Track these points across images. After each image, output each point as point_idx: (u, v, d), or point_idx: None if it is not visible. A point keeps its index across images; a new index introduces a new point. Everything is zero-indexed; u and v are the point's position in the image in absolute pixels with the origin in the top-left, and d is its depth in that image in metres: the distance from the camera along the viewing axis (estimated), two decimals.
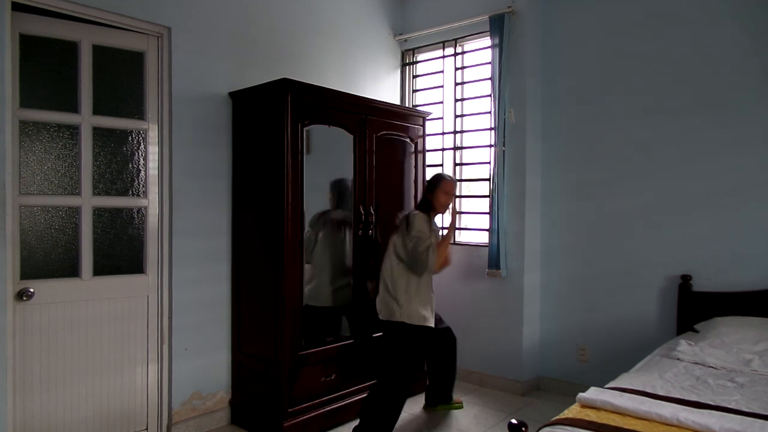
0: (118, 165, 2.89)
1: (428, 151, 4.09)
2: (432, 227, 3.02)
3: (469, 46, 4.21)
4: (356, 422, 2.95)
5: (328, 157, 3.38)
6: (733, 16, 3.18)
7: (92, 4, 2.69)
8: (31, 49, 2.60)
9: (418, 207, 3.14)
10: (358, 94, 3.57)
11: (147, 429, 2.98)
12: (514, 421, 1.81)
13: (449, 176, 3.16)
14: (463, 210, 4.21)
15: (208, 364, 3.19)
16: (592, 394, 2.06)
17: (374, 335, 3.41)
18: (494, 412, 3.47)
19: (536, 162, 3.87)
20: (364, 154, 3.39)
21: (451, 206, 3.14)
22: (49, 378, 2.64)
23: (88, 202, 2.77)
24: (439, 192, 3.04)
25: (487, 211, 3.89)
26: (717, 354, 2.63)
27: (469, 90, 4.20)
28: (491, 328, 3.91)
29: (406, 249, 2.91)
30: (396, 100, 4.46)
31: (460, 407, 3.48)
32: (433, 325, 2.97)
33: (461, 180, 4.22)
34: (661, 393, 2.13)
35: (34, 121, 2.62)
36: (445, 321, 3.55)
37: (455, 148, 4.23)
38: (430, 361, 3.46)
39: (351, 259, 3.35)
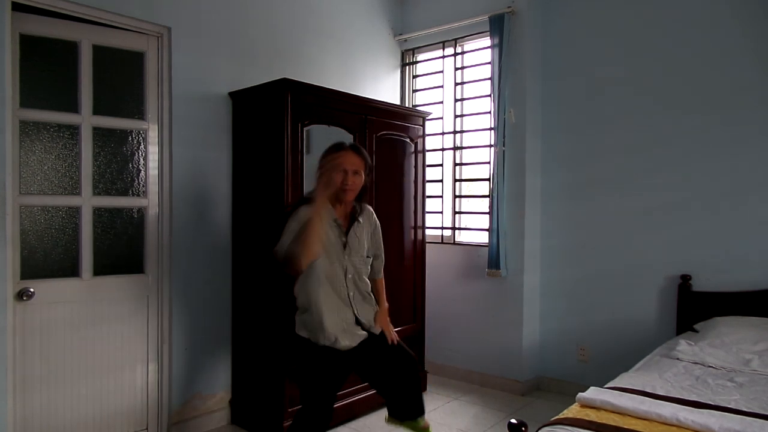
0: (118, 165, 2.89)
1: (428, 151, 4.09)
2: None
3: (469, 46, 4.21)
4: (356, 421, 2.92)
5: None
6: (734, 16, 3.18)
7: (92, 4, 2.69)
8: (31, 49, 2.60)
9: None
10: (358, 94, 3.58)
11: (147, 429, 2.98)
12: (514, 421, 1.81)
13: (350, 144, 2.39)
14: (463, 210, 4.22)
15: (208, 364, 3.19)
16: (592, 394, 2.06)
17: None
18: (494, 412, 3.47)
19: (536, 162, 3.87)
20: None
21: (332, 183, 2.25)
22: (49, 378, 2.64)
23: (88, 202, 2.77)
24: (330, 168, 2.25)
25: (487, 211, 3.89)
26: (717, 354, 2.63)
27: (469, 90, 4.20)
28: (491, 328, 3.91)
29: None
30: (396, 100, 4.46)
31: None
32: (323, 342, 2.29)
33: (461, 180, 4.22)
34: (660, 393, 2.13)
35: (34, 121, 2.62)
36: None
37: (455, 148, 4.23)
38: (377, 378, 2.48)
39: None
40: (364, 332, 2.35)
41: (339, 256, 2.31)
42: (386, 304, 2.56)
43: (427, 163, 3.99)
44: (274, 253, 2.22)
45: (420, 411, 2.47)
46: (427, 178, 3.99)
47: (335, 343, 2.26)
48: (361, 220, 2.41)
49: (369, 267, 2.47)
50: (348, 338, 2.29)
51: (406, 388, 2.44)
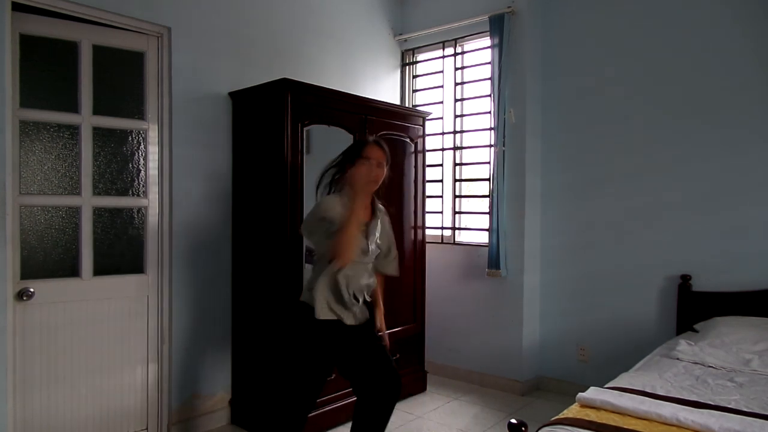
0: (118, 165, 2.89)
1: (428, 151, 4.09)
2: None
3: (469, 46, 4.21)
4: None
5: (328, 157, 3.34)
6: (733, 17, 3.18)
7: (92, 4, 2.69)
8: (31, 49, 2.60)
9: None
10: (358, 94, 3.58)
11: (147, 429, 2.98)
12: (514, 420, 1.81)
13: (373, 139, 2.44)
14: (463, 210, 4.22)
15: (208, 364, 3.19)
16: (592, 394, 2.06)
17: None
18: (494, 412, 3.47)
19: (536, 162, 3.87)
20: None
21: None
22: (50, 378, 2.64)
23: (88, 202, 2.77)
24: (358, 162, 2.32)
25: (487, 211, 3.89)
26: (716, 354, 2.63)
27: (469, 90, 4.20)
28: (491, 328, 3.91)
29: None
30: (396, 100, 4.46)
31: None
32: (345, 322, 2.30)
33: (461, 180, 4.22)
34: (660, 393, 2.13)
35: (34, 121, 2.62)
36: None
37: (455, 148, 4.23)
38: (355, 386, 2.37)
39: None
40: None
41: (360, 256, 2.30)
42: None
43: (427, 163, 3.99)
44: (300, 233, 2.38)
45: None
46: (427, 178, 3.99)
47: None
48: (378, 215, 2.45)
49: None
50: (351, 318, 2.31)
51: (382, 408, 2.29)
